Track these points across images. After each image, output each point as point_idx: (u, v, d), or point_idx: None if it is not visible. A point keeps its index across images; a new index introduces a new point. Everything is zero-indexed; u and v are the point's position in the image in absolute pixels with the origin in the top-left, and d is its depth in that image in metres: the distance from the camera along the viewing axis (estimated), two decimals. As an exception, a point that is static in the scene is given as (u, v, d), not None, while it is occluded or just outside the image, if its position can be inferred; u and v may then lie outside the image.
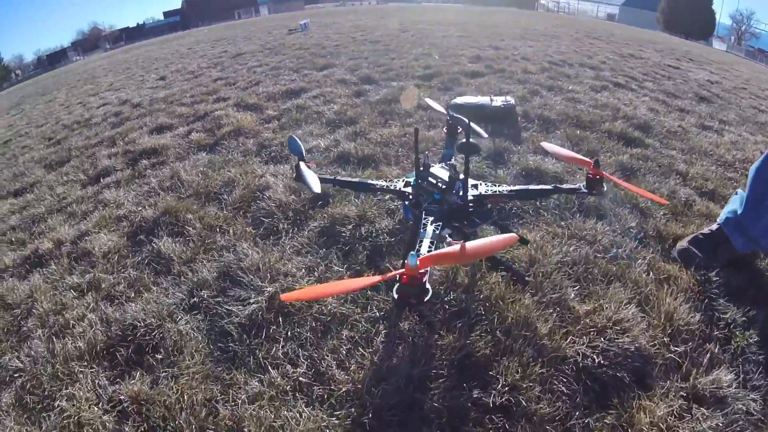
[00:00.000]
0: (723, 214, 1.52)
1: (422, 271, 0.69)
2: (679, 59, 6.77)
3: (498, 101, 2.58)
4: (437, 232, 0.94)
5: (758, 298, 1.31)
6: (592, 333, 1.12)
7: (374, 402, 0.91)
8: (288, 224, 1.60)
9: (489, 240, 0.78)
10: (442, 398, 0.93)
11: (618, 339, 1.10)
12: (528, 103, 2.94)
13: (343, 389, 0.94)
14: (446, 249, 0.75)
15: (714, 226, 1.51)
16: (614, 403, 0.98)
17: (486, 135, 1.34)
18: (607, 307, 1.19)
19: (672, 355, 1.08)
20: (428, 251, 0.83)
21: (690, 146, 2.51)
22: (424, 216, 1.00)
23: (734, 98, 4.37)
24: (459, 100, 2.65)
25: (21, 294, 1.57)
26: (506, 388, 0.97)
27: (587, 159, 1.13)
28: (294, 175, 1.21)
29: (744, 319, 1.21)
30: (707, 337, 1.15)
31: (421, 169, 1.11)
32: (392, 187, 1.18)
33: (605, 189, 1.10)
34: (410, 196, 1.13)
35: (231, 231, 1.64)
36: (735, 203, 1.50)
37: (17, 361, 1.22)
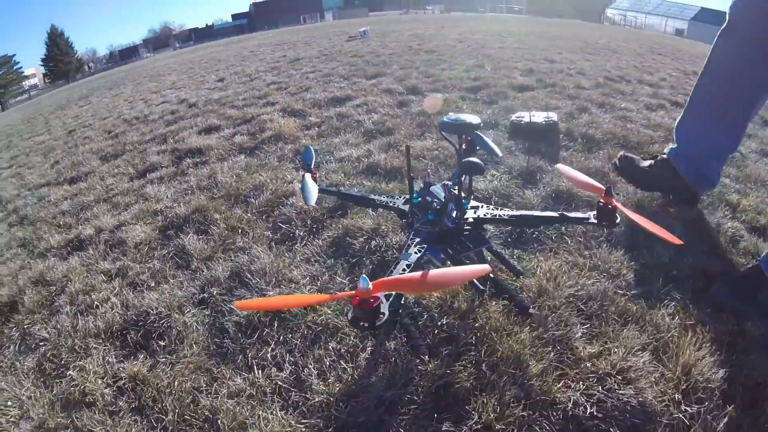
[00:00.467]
0: (765, 254, 1.40)
1: (377, 295, 0.70)
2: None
3: (539, 117, 2.57)
4: (418, 254, 0.97)
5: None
6: (591, 379, 1.04)
7: (340, 417, 0.96)
8: (304, 231, 1.71)
9: (456, 270, 0.78)
10: (409, 425, 0.95)
11: (619, 390, 1.02)
12: (574, 120, 2.90)
13: (317, 399, 1.01)
14: (406, 275, 0.78)
15: (753, 267, 1.40)
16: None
17: (500, 153, 1.30)
18: (615, 352, 1.10)
19: (681, 415, 0.97)
20: (401, 273, 0.88)
21: (746, 174, 2.35)
22: (411, 236, 1.04)
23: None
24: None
25: (59, 273, 1.77)
26: (479, 426, 0.95)
27: (599, 185, 1.05)
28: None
29: None
30: (728, 398, 1.01)
31: (422, 187, 1.16)
32: (392, 204, 1.23)
33: (618, 220, 1.01)
34: (408, 215, 1.17)
35: (251, 234, 1.77)
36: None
37: (44, 332, 1.40)
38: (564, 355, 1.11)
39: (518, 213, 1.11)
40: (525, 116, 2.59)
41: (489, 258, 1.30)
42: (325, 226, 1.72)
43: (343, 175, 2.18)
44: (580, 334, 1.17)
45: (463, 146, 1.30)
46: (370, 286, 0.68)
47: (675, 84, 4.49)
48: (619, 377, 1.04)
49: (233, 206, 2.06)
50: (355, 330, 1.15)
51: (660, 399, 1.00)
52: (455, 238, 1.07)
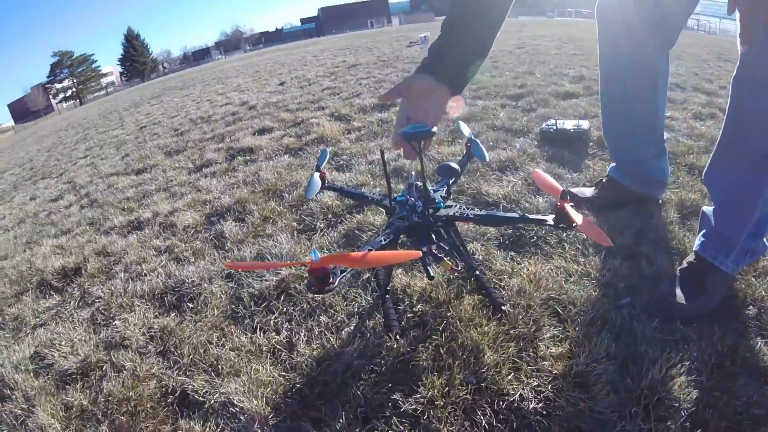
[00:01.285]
0: (697, 239, 1.40)
1: (329, 266, 0.86)
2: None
3: (569, 125, 2.63)
4: (384, 242, 1.11)
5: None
6: (545, 378, 1.09)
7: (312, 374, 1.17)
8: (324, 224, 1.95)
9: (391, 252, 0.97)
10: (367, 390, 1.11)
11: (570, 392, 1.05)
12: None
13: (299, 359, 1.22)
14: (349, 252, 0.97)
15: (691, 257, 1.39)
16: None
17: (487, 158, 1.43)
18: (578, 356, 1.13)
19: (632, 427, 0.97)
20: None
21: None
22: (384, 228, 1.23)
23: None
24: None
25: (118, 247, 2.13)
26: (423, 400, 1.05)
27: (559, 187, 1.07)
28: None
29: (759, 411, 1.00)
30: (698, 423, 0.98)
31: (407, 187, 1.35)
32: (381, 201, 1.39)
33: (576, 224, 1.00)
34: (392, 211, 1.31)
35: (279, 223, 2.03)
36: (706, 222, 1.39)
37: (100, 291, 1.74)
38: (525, 352, 1.17)
39: (483, 213, 1.20)
40: (555, 124, 2.68)
41: (473, 265, 1.40)
42: (342, 220, 1.95)
43: (369, 176, 2.41)
44: (548, 335, 1.21)
45: (464, 149, 1.47)
46: (320, 258, 0.85)
47: None
48: (574, 380, 1.08)
49: (269, 200, 2.34)
50: (312, 293, 1.33)
51: (615, 410, 1.01)
52: (424, 233, 1.20)
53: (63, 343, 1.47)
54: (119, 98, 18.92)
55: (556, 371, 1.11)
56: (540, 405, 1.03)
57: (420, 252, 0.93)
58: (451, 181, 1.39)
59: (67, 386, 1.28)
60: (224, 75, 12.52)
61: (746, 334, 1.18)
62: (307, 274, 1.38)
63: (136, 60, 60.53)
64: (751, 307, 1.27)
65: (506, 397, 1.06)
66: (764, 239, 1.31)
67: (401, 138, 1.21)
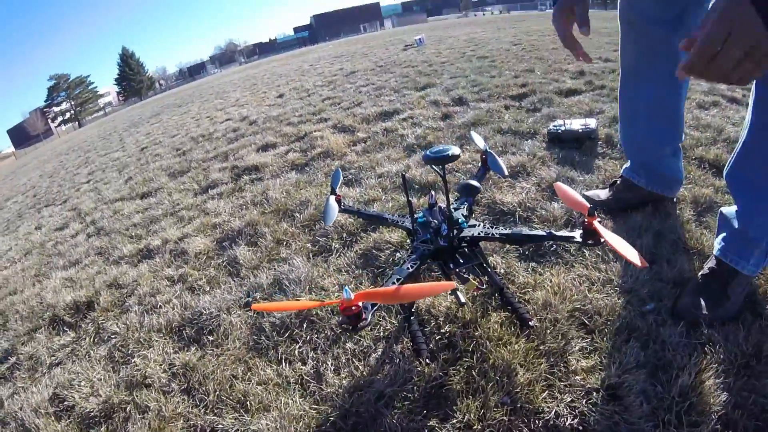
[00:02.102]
0: (717, 243, 1.36)
1: (360, 303, 0.86)
2: None
3: (576, 125, 2.62)
4: (410, 269, 1.11)
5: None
6: (578, 392, 1.09)
7: (344, 406, 1.15)
8: (339, 244, 1.93)
9: (424, 285, 0.94)
10: (402, 418, 1.10)
11: (604, 405, 1.05)
12: (616, 124, 2.92)
13: (329, 390, 1.20)
14: (380, 288, 0.95)
15: (712, 262, 1.35)
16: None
17: (506, 173, 1.43)
18: (609, 368, 1.14)
19: None
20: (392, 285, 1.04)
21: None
22: (410, 253, 1.22)
23: None
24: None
25: (129, 278, 2.12)
26: (461, 425, 1.05)
27: (585, 204, 1.06)
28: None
29: None
30: (729, 424, 0.99)
31: (427, 207, 1.34)
32: (401, 223, 1.38)
33: (604, 241, 1.00)
34: (415, 233, 1.30)
35: (293, 246, 2.02)
36: (725, 224, 1.36)
37: (115, 327, 1.72)
38: (556, 367, 1.16)
39: (509, 231, 1.20)
40: (563, 124, 2.67)
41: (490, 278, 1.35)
42: (357, 240, 1.93)
43: (380, 190, 2.40)
44: (577, 348, 1.21)
45: (479, 164, 1.46)
46: (352, 296, 0.85)
47: None
48: (607, 393, 1.07)
49: (280, 220, 2.32)
50: (345, 331, 1.32)
51: (648, 419, 1.01)
52: (449, 255, 1.21)
53: (82, 384, 1.45)
54: (118, 118, 19.03)
55: (589, 385, 1.11)
56: (575, 421, 1.04)
57: (453, 283, 0.92)
58: (472, 200, 1.37)
59: (91, 430, 1.26)
60: (221, 89, 12.57)
61: None
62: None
63: (132, 79, 61.03)
64: None
65: (542, 416, 1.06)
66: None
67: (425, 161, 1.21)
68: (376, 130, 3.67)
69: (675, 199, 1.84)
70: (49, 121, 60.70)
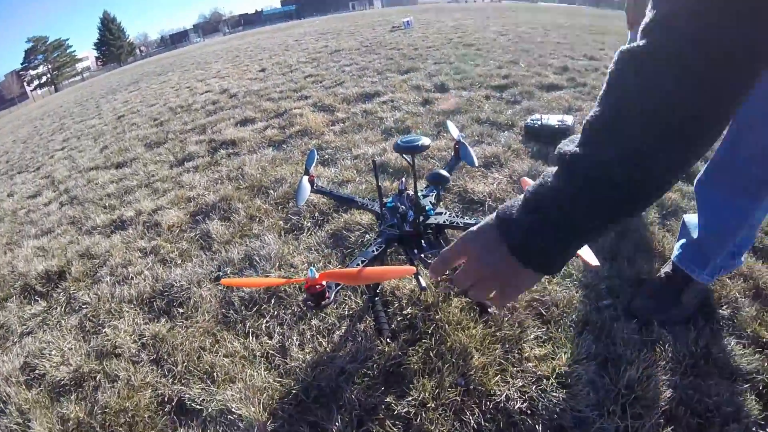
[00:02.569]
0: (676, 248, 1.41)
1: (324, 282, 0.90)
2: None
3: (553, 120, 2.67)
4: (375, 252, 1.15)
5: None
6: (529, 378, 1.14)
7: (307, 379, 1.19)
8: (311, 223, 1.96)
9: (386, 268, 1.00)
10: (361, 393, 1.15)
11: (553, 392, 1.10)
12: None
13: (293, 364, 1.25)
14: (344, 269, 0.99)
15: (669, 267, 1.41)
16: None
17: (476, 164, 1.48)
18: (560, 357, 1.19)
19: (610, 424, 1.03)
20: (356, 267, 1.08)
21: None
22: (376, 237, 1.26)
23: None
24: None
25: (102, 248, 2.12)
26: (415, 402, 1.09)
27: None
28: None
29: (730, 408, 1.07)
30: (671, 419, 1.04)
31: (397, 193, 1.36)
32: (370, 206, 1.41)
33: None
34: (382, 217, 1.32)
35: (266, 222, 2.04)
36: (686, 232, 1.40)
37: (87, 297, 1.73)
38: (510, 353, 1.21)
39: (473, 221, 1.23)
40: (540, 119, 2.72)
41: None
42: (329, 220, 1.96)
43: (355, 171, 2.42)
44: (533, 336, 1.26)
45: (452, 150, 1.48)
46: (317, 275, 0.88)
47: None
48: (557, 381, 1.13)
49: (254, 197, 2.34)
50: (309, 309, 1.35)
51: (594, 408, 1.06)
52: (415, 241, 1.23)
53: (53, 353, 1.47)
54: (95, 84, 18.47)
55: (540, 372, 1.16)
56: (525, 405, 1.09)
57: (414, 268, 0.95)
58: (440, 188, 1.41)
59: (62, 398, 1.29)
60: (203, 60, 12.29)
61: (720, 335, 1.25)
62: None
63: (112, 44, 59.05)
64: (725, 308, 1.33)
65: (493, 398, 1.11)
66: (742, 257, 1.34)
67: (395, 150, 1.23)
68: (355, 111, 3.67)
69: None
70: (25, 84, 58.57)
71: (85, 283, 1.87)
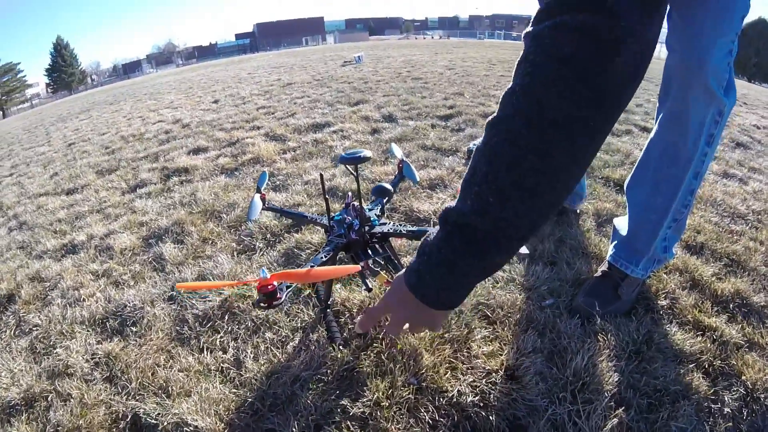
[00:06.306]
0: (610, 249, 1.51)
1: (275, 282, 0.92)
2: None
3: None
4: (324, 259, 1.19)
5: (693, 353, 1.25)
6: (479, 374, 1.19)
7: (262, 388, 1.20)
8: (263, 244, 1.98)
9: (333, 267, 1.04)
10: (316, 398, 1.16)
11: (503, 384, 1.15)
12: None
13: (248, 375, 1.25)
14: (294, 270, 1.03)
15: (605, 266, 1.49)
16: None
17: (418, 179, 1.55)
18: (508, 353, 1.24)
19: (562, 410, 1.08)
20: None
21: (698, 194, 2.32)
22: (324, 246, 1.30)
23: (780, 144, 4.14)
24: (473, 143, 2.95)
25: (53, 272, 2.04)
26: (370, 403, 1.12)
27: None
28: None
29: (678, 387, 1.15)
30: (621, 402, 1.10)
31: (344, 206, 1.40)
32: (319, 221, 1.44)
33: None
34: (331, 229, 1.36)
35: (219, 244, 2.04)
36: (617, 233, 1.49)
37: (37, 319, 1.67)
38: (459, 352, 1.26)
39: (415, 229, 1.29)
40: (475, 143, 2.87)
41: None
42: (280, 240, 1.99)
43: (306, 195, 2.46)
44: (480, 336, 1.31)
45: (396, 169, 1.55)
46: (268, 275, 0.91)
47: (651, 110, 4.50)
48: (506, 373, 1.18)
49: (207, 221, 2.33)
50: (259, 310, 1.36)
51: (545, 396, 1.11)
52: (361, 248, 1.28)
53: (2, 374, 1.40)
54: (45, 111, 17.52)
55: (489, 367, 1.22)
56: (477, 398, 1.14)
57: (359, 266, 1.00)
58: (384, 201, 1.47)
59: (12, 418, 1.23)
60: (156, 90, 11.98)
61: (660, 323, 1.37)
62: (252, 294, 1.43)
63: (64, 71, 56.27)
64: (664, 299, 1.46)
65: (446, 394, 1.15)
66: (672, 250, 1.47)
67: (340, 162, 1.29)
68: (306, 140, 3.72)
69: (578, 211, 2.05)
70: (-29, 109, 54.67)
71: (35, 306, 1.79)
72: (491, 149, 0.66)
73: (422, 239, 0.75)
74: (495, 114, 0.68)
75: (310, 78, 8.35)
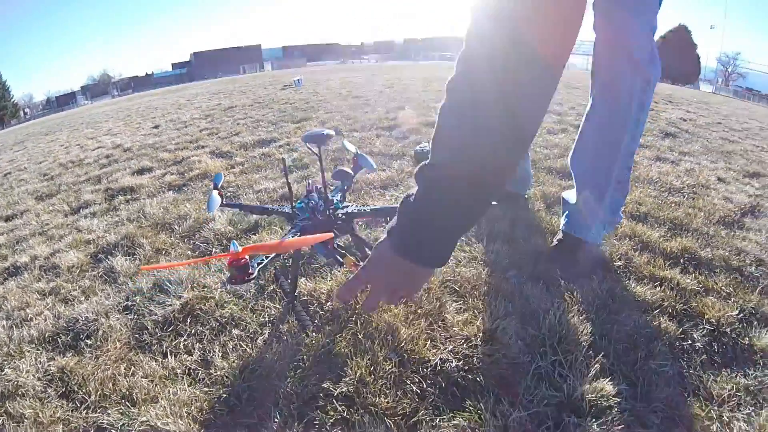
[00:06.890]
0: (562, 220, 1.56)
1: (247, 256, 0.87)
2: (657, 102, 7.07)
3: (427, 146, 2.88)
4: (289, 237, 1.14)
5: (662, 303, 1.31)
6: (458, 341, 1.17)
7: (236, 383, 1.12)
8: (220, 249, 1.88)
9: (304, 237, 1.00)
10: (296, 386, 1.09)
11: (485, 346, 1.14)
12: None
13: (219, 373, 1.16)
14: (266, 242, 0.98)
15: (559, 235, 1.55)
16: (468, 406, 1.01)
17: (374, 166, 1.53)
18: (483, 319, 1.24)
19: (545, 363, 1.08)
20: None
21: (635, 176, 2.51)
22: (291, 228, 1.22)
23: (704, 132, 4.57)
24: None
25: (-6, 295, 1.82)
26: (354, 381, 1.08)
27: None
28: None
29: (648, 330, 1.21)
30: (599, 350, 1.13)
31: (305, 194, 1.35)
32: (281, 210, 1.38)
33: None
34: (295, 217, 1.31)
35: (173, 253, 1.92)
36: (567, 204, 1.54)
37: (-21, 342, 1.47)
38: (435, 324, 1.25)
39: (379, 206, 1.26)
40: (427, 146, 2.91)
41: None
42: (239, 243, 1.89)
43: (258, 203, 2.38)
44: (452, 308, 1.31)
45: (351, 164, 1.52)
46: (240, 249, 0.85)
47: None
48: (485, 336, 1.17)
49: (159, 233, 2.19)
50: (234, 284, 1.30)
51: (526, 353, 1.12)
52: (327, 229, 1.22)
53: (-56, 403, 1.22)
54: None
55: (467, 332, 1.21)
56: (461, 362, 1.13)
57: (331, 234, 0.96)
58: (345, 186, 1.43)
59: (-42, 445, 1.07)
60: (93, 120, 11.27)
61: (620, 280, 1.44)
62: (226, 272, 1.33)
63: (-4, 104, 51.53)
64: (619, 261, 1.54)
65: (428, 364, 1.13)
66: (619, 212, 1.54)
67: (303, 141, 1.25)
68: (254, 155, 3.62)
69: (527, 196, 2.12)
70: None
71: (-24, 330, 1.59)
72: (453, 103, 0.66)
73: (401, 202, 0.72)
74: (452, 76, 0.68)
75: (251, 101, 8.17)
